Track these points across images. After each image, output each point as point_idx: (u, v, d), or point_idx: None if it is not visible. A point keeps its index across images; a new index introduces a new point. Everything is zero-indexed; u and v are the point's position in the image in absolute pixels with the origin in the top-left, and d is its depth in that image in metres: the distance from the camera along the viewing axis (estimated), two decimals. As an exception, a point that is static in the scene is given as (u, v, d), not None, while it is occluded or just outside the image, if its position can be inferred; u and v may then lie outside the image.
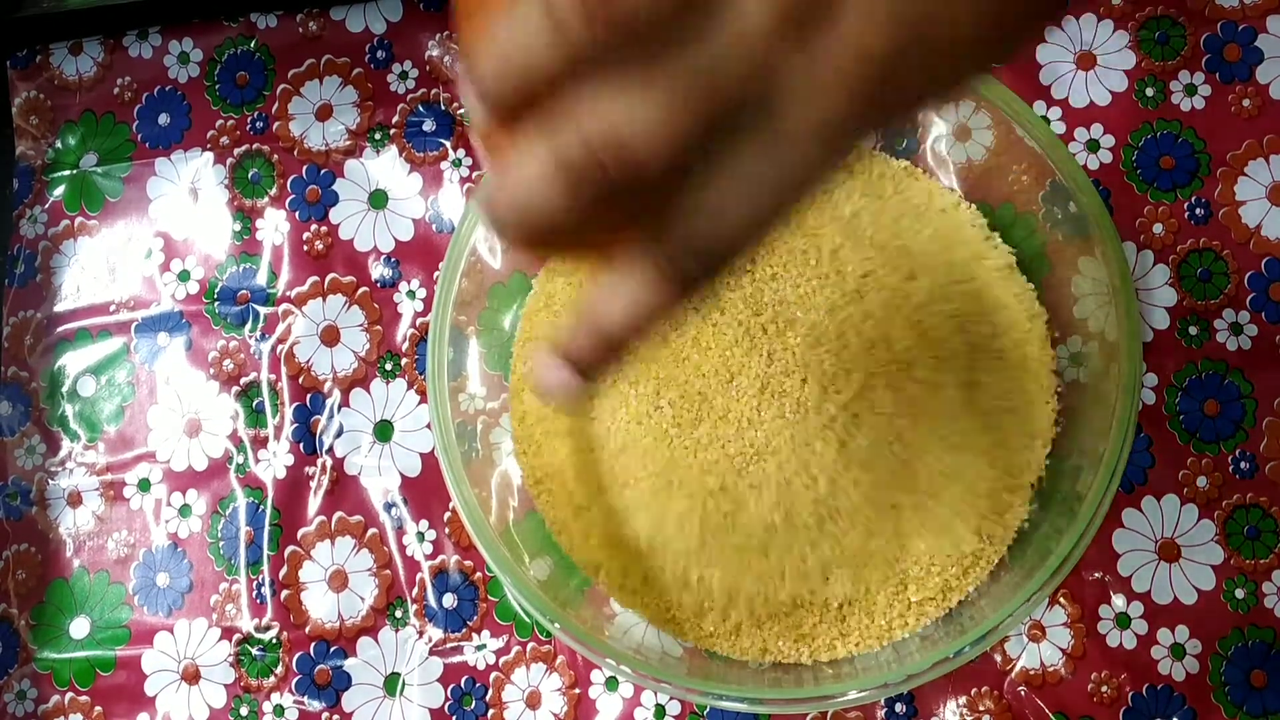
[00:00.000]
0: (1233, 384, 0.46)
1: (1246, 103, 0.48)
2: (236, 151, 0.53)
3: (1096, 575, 0.45)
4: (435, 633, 0.48)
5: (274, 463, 0.50)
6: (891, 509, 0.44)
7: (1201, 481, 0.46)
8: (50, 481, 0.52)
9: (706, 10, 0.22)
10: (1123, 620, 0.45)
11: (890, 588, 0.44)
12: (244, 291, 0.52)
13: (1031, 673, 0.45)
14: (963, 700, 0.45)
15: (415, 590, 0.48)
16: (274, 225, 0.52)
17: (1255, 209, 0.48)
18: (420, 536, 0.49)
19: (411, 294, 0.51)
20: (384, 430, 0.50)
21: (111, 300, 0.53)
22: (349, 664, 0.48)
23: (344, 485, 0.50)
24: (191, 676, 0.49)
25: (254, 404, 0.51)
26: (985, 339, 0.45)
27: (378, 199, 0.52)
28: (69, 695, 0.50)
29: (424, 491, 0.49)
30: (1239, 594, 0.45)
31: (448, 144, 0.52)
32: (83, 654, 0.50)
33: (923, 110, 0.45)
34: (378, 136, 0.52)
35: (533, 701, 0.47)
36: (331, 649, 0.48)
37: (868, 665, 0.43)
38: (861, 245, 0.46)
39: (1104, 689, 0.45)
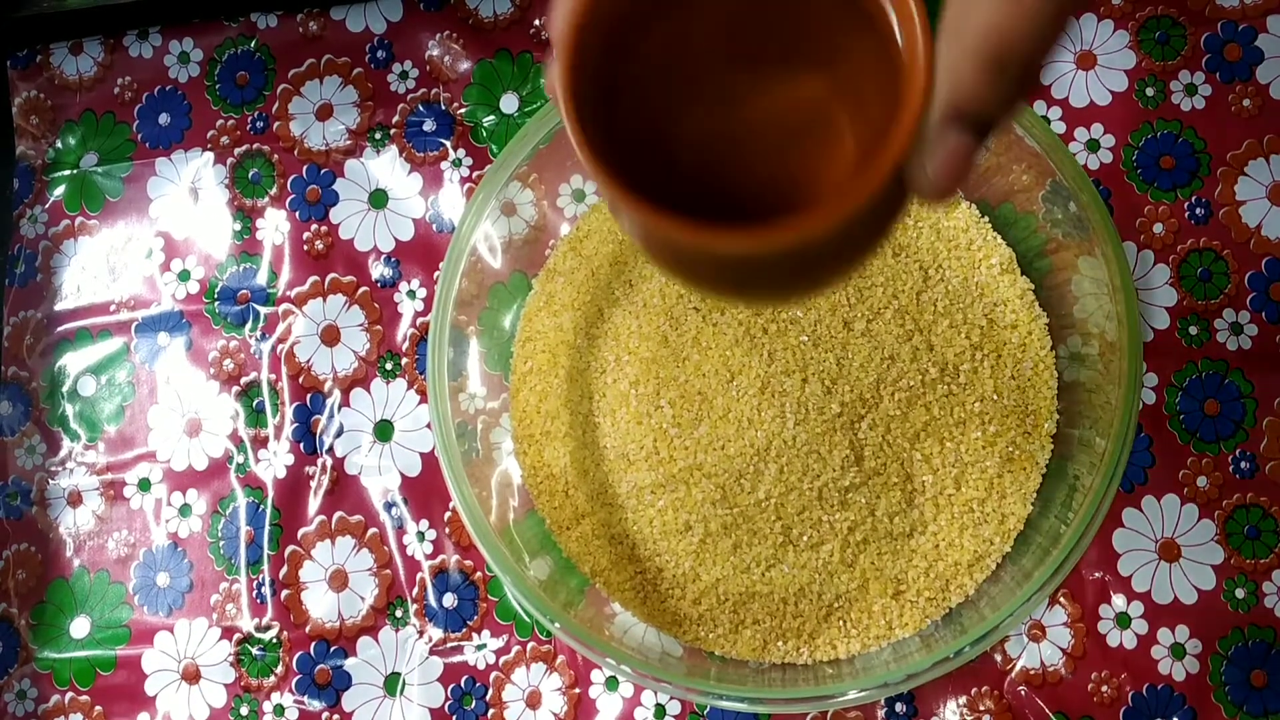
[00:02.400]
0: (1233, 384, 0.46)
1: (1247, 102, 0.48)
2: (237, 151, 0.53)
3: (1097, 575, 0.45)
4: (435, 632, 0.48)
5: (274, 462, 0.50)
6: (891, 509, 0.44)
7: (1202, 481, 0.46)
8: (50, 481, 0.52)
9: None
10: (1123, 620, 0.45)
11: (890, 587, 0.44)
12: (244, 291, 0.52)
13: (1032, 672, 0.45)
14: (963, 700, 0.45)
15: (415, 590, 0.48)
16: (274, 225, 0.52)
17: (1255, 209, 0.48)
18: (420, 536, 0.49)
19: (412, 294, 0.51)
20: (384, 430, 0.50)
21: (112, 300, 0.53)
22: (349, 664, 0.48)
23: (344, 485, 0.50)
24: (192, 676, 0.49)
25: (254, 404, 0.51)
26: (985, 339, 0.45)
27: (378, 199, 0.52)
28: (69, 695, 0.50)
29: (424, 491, 0.49)
30: (1239, 594, 0.45)
31: (448, 144, 0.52)
32: (83, 653, 0.50)
33: None
34: (378, 136, 0.52)
35: (533, 701, 0.47)
36: (332, 649, 0.48)
37: (868, 665, 0.43)
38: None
39: (1104, 689, 0.45)
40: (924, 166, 0.24)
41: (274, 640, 0.49)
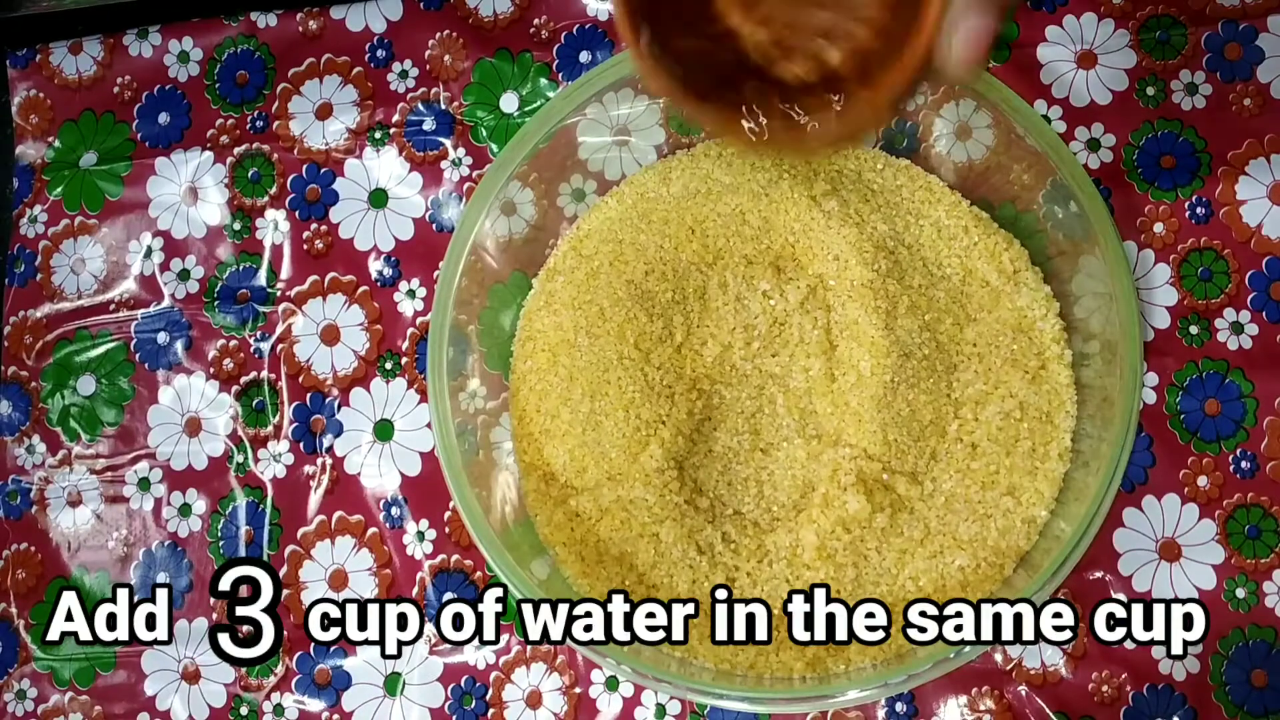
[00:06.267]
0: (1233, 383, 0.46)
1: (1247, 102, 0.48)
2: (236, 151, 0.53)
3: (1097, 575, 0.45)
4: (435, 632, 0.48)
5: (274, 462, 0.50)
6: (895, 509, 0.44)
7: (1202, 481, 0.46)
8: (50, 481, 0.52)
9: None
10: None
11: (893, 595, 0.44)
12: (244, 291, 0.52)
13: (1032, 672, 0.45)
14: (963, 700, 0.45)
15: (415, 590, 0.48)
16: (274, 224, 0.52)
17: (1256, 208, 0.48)
18: (420, 536, 0.49)
19: (411, 293, 0.51)
20: (384, 429, 0.50)
21: (111, 299, 0.53)
22: (349, 663, 0.48)
23: (344, 484, 0.50)
24: (191, 676, 0.49)
25: (254, 403, 0.51)
26: (986, 337, 0.45)
27: (378, 198, 0.52)
28: (69, 695, 0.50)
29: (424, 491, 0.49)
30: (1240, 593, 0.45)
31: (447, 143, 0.52)
32: (82, 653, 0.50)
33: None
34: (378, 135, 0.52)
35: (533, 701, 0.47)
36: (332, 648, 0.48)
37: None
38: (864, 246, 0.46)
39: (1105, 688, 0.45)
40: (951, 45, 0.29)
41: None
